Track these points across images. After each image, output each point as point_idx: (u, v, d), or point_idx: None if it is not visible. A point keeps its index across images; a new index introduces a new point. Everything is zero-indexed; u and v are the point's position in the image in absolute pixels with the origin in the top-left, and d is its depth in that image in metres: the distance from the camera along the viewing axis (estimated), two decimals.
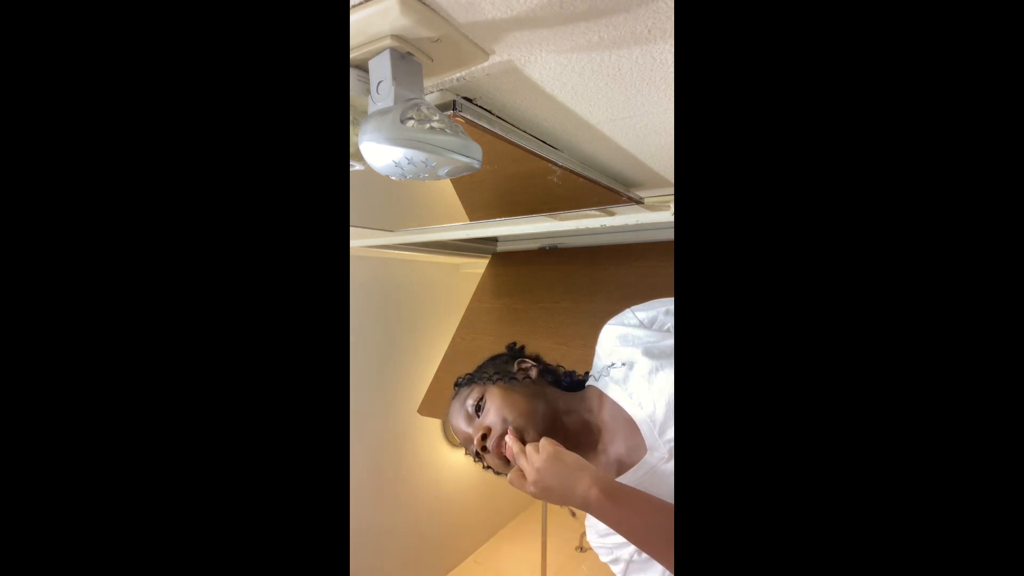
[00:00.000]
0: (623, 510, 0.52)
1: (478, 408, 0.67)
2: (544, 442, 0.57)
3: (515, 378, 0.71)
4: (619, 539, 0.59)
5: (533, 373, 0.73)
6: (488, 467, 0.71)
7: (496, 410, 0.65)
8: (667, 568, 0.52)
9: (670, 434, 0.59)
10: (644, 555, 0.58)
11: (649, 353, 0.65)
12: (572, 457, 0.56)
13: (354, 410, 1.68)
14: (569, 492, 0.54)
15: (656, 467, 0.60)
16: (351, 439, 1.66)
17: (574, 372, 0.78)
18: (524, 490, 0.56)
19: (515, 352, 0.78)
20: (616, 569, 0.62)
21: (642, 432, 0.62)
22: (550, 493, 0.55)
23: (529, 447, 0.58)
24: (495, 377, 0.71)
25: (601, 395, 0.69)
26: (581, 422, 0.67)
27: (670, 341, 0.67)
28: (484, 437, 0.64)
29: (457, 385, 0.75)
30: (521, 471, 0.57)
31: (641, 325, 0.72)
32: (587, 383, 0.73)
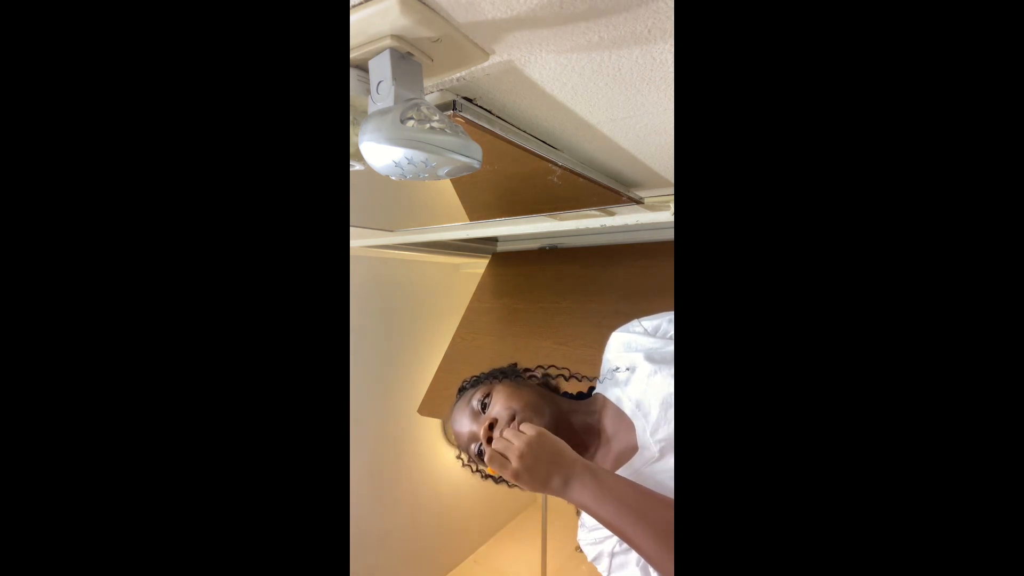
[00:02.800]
0: (603, 492, 0.52)
1: (484, 405, 0.68)
2: (527, 425, 0.57)
3: (520, 377, 0.72)
4: (602, 533, 0.59)
5: (539, 374, 0.74)
6: (485, 474, 0.71)
7: (503, 402, 0.66)
8: (642, 556, 0.51)
9: (661, 434, 0.60)
10: (623, 546, 0.57)
11: (651, 358, 0.66)
12: (555, 440, 0.56)
13: (354, 410, 1.68)
14: (550, 475, 0.53)
15: (643, 468, 0.60)
16: (351, 439, 1.66)
17: (579, 381, 0.79)
18: (505, 471, 0.55)
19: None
20: (601, 567, 0.61)
21: (636, 431, 0.62)
22: (532, 474, 0.54)
23: (513, 430, 0.57)
24: (500, 377, 0.72)
25: (604, 399, 0.70)
26: (584, 424, 0.69)
27: (672, 348, 0.68)
28: (491, 427, 0.64)
29: (461, 390, 0.76)
30: (503, 453, 0.55)
31: (646, 333, 0.73)
32: (594, 389, 0.75)
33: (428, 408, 1.78)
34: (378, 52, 0.52)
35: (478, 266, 1.97)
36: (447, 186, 1.87)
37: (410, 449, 1.94)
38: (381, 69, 0.52)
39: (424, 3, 0.47)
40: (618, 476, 0.55)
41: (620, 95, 0.70)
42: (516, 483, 0.55)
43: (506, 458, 0.54)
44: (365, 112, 0.58)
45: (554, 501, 2.38)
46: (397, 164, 0.51)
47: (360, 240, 1.56)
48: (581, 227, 1.13)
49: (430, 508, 2.05)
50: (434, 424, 2.04)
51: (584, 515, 0.62)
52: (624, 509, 0.51)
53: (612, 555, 0.60)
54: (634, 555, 0.56)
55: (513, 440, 0.55)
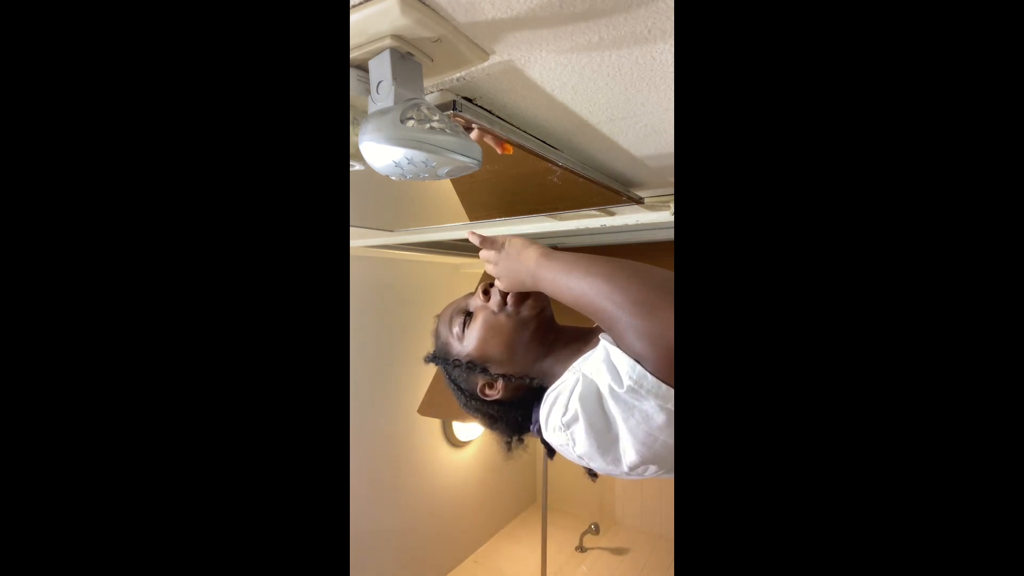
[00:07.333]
0: (564, 263, 0.55)
1: (464, 324, 0.65)
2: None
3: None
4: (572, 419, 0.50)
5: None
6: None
7: (478, 295, 0.67)
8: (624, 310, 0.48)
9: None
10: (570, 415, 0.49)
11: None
12: (521, 240, 0.63)
13: (354, 410, 1.68)
14: (521, 267, 0.60)
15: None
16: (351, 439, 1.66)
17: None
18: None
19: None
20: (569, 449, 0.52)
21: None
22: (510, 275, 0.62)
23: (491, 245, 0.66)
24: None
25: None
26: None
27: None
28: (486, 293, 0.66)
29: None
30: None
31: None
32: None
33: (428, 408, 1.77)
34: (378, 52, 0.52)
35: (478, 266, 1.97)
36: (447, 186, 1.87)
37: (410, 449, 1.94)
38: (381, 69, 0.52)
39: (424, 3, 0.47)
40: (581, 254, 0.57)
41: (620, 95, 0.70)
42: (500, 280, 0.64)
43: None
44: (365, 112, 0.58)
45: (554, 501, 2.38)
46: (397, 164, 0.51)
47: (360, 240, 1.55)
48: (581, 227, 1.12)
49: (430, 508, 2.05)
50: (434, 424, 2.04)
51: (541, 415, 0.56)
52: (593, 269, 0.51)
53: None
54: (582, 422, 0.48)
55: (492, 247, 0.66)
